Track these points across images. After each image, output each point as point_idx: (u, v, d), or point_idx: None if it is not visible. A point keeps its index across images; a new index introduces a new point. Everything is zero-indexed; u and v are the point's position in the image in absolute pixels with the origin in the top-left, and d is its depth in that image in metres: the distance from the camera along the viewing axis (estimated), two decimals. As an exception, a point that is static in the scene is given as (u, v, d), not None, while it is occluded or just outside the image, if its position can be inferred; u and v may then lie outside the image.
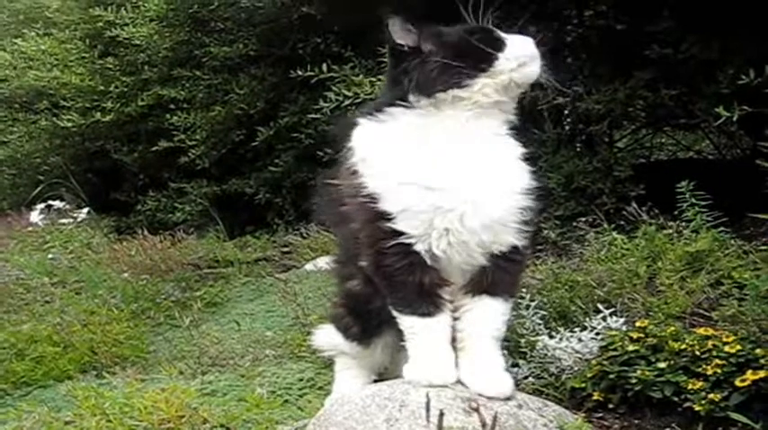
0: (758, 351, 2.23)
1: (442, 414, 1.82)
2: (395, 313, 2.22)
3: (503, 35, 2.21)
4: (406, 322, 2.21)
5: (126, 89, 6.05)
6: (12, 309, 4.02)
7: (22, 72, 6.49)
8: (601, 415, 2.36)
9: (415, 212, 2.11)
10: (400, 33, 2.19)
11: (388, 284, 2.22)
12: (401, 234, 2.12)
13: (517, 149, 2.22)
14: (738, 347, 2.25)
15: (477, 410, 1.90)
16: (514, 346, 2.60)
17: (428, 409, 1.88)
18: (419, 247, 2.13)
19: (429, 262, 2.14)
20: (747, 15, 3.60)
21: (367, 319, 2.44)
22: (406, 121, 2.18)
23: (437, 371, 2.14)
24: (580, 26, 4.51)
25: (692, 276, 2.95)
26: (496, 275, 2.20)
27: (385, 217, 2.13)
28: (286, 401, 2.69)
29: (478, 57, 2.15)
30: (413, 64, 2.16)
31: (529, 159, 2.24)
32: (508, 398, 2.15)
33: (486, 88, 2.15)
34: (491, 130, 2.19)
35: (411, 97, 2.17)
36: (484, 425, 1.88)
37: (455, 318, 2.22)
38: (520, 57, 2.18)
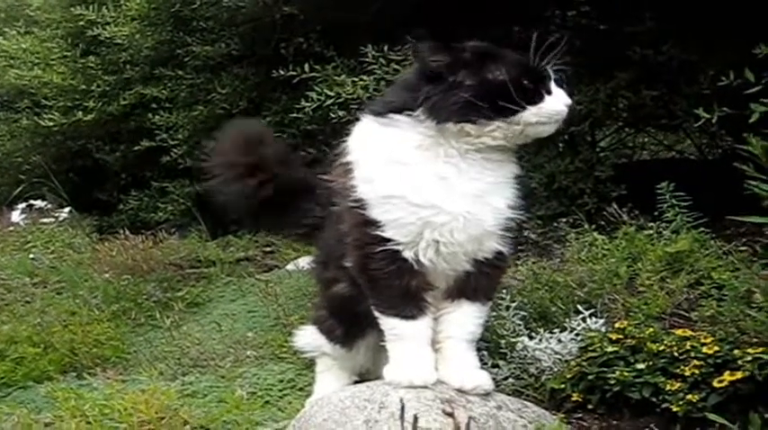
0: (736, 352, 2.25)
1: (416, 418, 1.82)
2: (377, 314, 2.23)
3: (550, 86, 2.16)
4: (389, 324, 2.22)
5: (108, 88, 6.02)
6: (4, 308, 3.99)
7: (3, 71, 6.45)
8: (580, 415, 2.37)
9: (403, 224, 2.11)
10: (433, 51, 2.12)
11: (373, 287, 2.22)
12: (389, 240, 2.13)
13: (511, 168, 2.22)
14: (716, 348, 2.27)
15: (451, 415, 1.90)
16: (494, 347, 2.61)
17: (402, 413, 1.88)
18: (407, 254, 2.14)
19: (416, 267, 2.15)
20: (727, 17, 3.62)
21: (351, 322, 2.45)
22: (408, 132, 2.15)
23: (417, 373, 2.15)
24: (562, 26, 4.52)
25: (672, 277, 2.97)
26: (479, 280, 2.22)
27: (373, 223, 2.14)
28: (267, 402, 2.70)
29: (508, 102, 2.10)
30: (438, 88, 2.11)
31: (521, 177, 2.23)
32: (487, 394, 2.17)
33: (498, 132, 2.12)
34: (488, 155, 2.17)
35: (419, 114, 2.14)
36: (458, 428, 1.88)
37: (433, 320, 2.23)
38: (545, 115, 2.14)
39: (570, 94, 2.20)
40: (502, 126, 2.11)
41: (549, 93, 2.15)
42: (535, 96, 2.13)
